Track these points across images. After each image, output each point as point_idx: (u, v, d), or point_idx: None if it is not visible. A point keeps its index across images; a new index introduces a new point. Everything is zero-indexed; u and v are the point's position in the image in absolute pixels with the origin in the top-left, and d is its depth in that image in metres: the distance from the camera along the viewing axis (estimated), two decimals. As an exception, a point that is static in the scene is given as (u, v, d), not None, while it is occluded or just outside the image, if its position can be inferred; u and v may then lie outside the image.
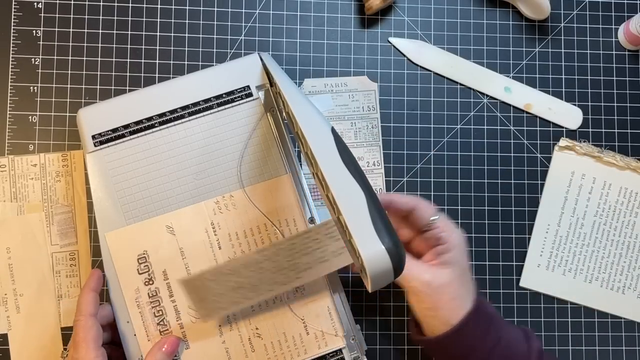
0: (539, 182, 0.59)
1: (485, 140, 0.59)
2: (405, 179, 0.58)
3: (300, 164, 0.55)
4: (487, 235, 0.58)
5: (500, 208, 0.59)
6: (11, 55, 0.57)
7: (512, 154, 0.59)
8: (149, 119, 0.50)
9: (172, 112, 0.50)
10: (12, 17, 0.57)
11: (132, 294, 0.49)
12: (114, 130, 0.50)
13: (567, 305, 0.58)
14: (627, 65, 0.61)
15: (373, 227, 0.34)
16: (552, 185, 0.59)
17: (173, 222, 0.49)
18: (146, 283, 0.49)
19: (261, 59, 0.52)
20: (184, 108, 0.51)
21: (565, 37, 0.61)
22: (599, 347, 0.57)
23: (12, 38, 0.57)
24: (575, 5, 0.61)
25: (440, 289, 0.46)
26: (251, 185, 0.50)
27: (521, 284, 0.58)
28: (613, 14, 0.61)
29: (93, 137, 0.50)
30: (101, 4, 0.58)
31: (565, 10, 0.61)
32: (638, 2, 0.62)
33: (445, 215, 0.49)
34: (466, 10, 0.60)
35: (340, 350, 0.49)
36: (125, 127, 0.50)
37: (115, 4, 0.58)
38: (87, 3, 0.58)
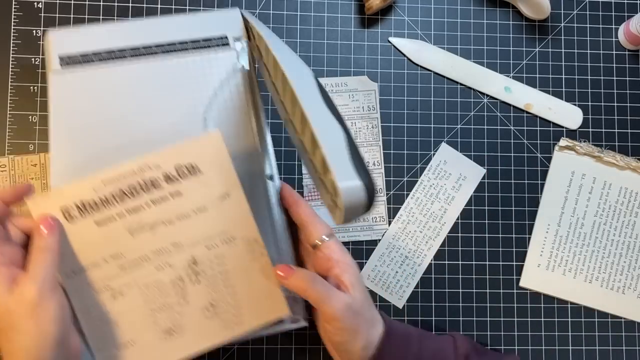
0: (539, 182, 0.59)
1: (485, 140, 0.59)
2: (405, 179, 0.58)
3: (268, 120, 0.53)
4: (487, 235, 0.58)
5: (500, 208, 0.59)
6: (11, 55, 0.57)
7: (512, 154, 0.59)
8: (121, 50, 0.48)
9: (146, 47, 0.48)
10: (12, 17, 0.57)
11: None
12: (84, 55, 0.47)
13: (567, 305, 0.58)
14: (627, 65, 0.61)
15: (351, 164, 0.35)
16: (552, 185, 0.59)
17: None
18: None
19: (242, 15, 0.49)
20: (158, 46, 0.48)
21: (565, 37, 0.61)
22: (599, 347, 0.57)
23: (12, 38, 0.57)
24: (575, 5, 0.61)
25: (360, 310, 0.44)
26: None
27: (521, 284, 0.58)
28: (613, 14, 0.61)
29: (60, 58, 0.47)
30: (101, 4, 0.58)
31: (565, 10, 0.61)
32: (638, 2, 0.62)
33: (336, 240, 0.46)
34: (466, 10, 0.60)
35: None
36: (96, 54, 0.47)
37: (116, 4, 0.58)
38: (87, 3, 0.58)
